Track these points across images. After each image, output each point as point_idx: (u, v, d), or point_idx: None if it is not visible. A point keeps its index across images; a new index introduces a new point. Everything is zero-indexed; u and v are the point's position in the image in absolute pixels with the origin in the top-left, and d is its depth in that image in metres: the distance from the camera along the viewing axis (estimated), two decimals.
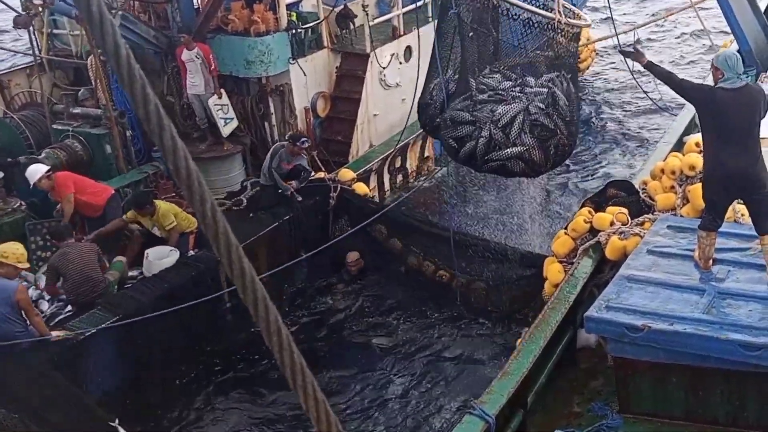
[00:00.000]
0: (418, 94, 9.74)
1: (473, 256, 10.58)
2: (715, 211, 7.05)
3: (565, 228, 9.51)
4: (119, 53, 1.51)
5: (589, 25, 9.68)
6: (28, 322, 8.26)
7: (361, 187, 11.56)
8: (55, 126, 11.69)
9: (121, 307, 9.01)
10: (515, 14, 9.20)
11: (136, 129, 12.10)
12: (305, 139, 11.09)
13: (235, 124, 12.18)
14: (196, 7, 12.54)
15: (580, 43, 9.76)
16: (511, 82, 9.37)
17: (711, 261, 7.19)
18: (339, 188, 11.21)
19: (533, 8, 9.19)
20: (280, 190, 10.98)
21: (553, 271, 9.09)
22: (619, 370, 7.08)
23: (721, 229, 7.18)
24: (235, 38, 12.02)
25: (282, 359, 1.72)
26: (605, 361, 7.80)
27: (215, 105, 11.91)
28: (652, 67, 7.22)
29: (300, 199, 10.99)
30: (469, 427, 6.69)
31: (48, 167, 10.30)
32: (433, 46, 10.60)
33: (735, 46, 12.01)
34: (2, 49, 13.68)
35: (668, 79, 7.12)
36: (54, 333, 8.03)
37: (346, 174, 11.61)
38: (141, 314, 8.99)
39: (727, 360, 6.38)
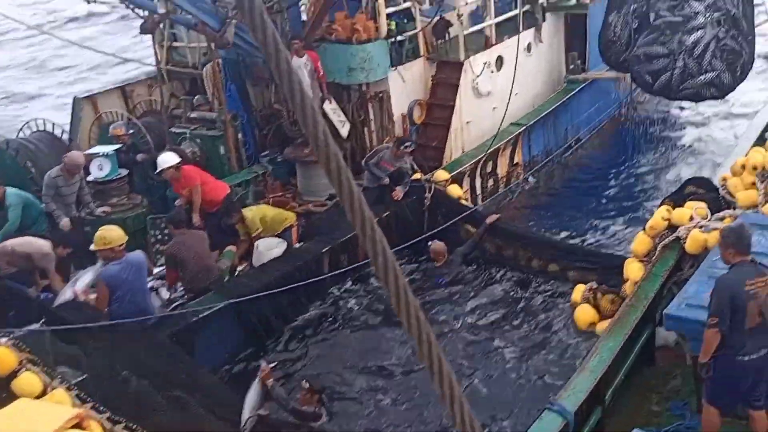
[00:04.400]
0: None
1: (558, 255, 10.75)
2: None
3: (644, 228, 9.28)
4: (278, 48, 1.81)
5: None
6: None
7: (454, 189, 12.09)
8: (173, 129, 12.65)
9: (234, 293, 9.59)
10: None
11: (248, 133, 12.98)
12: (410, 143, 11.73)
13: (348, 126, 12.87)
14: (303, 19, 13.38)
15: None
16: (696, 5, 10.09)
17: None
18: (434, 188, 11.79)
19: None
20: (377, 184, 11.56)
21: (633, 269, 8.86)
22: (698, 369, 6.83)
23: None
24: (339, 46, 12.76)
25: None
26: (684, 360, 7.65)
27: (331, 110, 12.64)
28: None
29: (399, 197, 11.49)
30: (548, 423, 6.56)
31: (179, 159, 10.89)
32: None
33: None
34: (127, 60, 14.77)
35: None
36: None
37: (441, 175, 12.18)
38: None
39: None
